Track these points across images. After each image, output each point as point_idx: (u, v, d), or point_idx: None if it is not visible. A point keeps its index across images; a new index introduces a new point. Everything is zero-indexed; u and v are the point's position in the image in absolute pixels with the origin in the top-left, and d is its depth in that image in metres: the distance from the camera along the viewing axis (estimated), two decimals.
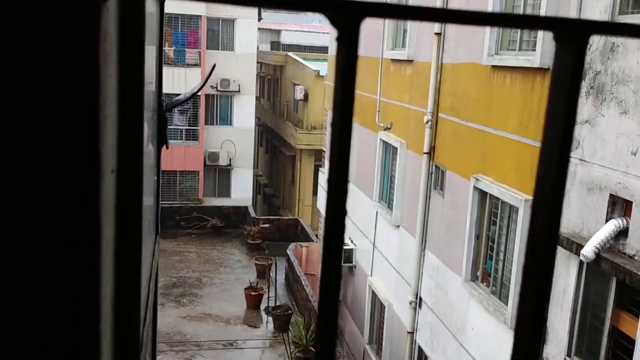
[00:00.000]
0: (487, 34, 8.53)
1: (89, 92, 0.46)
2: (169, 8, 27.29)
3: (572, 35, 0.52)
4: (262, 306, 17.81)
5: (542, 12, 7.26)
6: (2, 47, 0.46)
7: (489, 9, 8.46)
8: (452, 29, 9.91)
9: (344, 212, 0.52)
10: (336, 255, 0.55)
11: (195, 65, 25.57)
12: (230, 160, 26.90)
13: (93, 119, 0.47)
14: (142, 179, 0.70)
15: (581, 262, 6.41)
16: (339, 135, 0.50)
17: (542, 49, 7.23)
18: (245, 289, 17.98)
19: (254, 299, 17.72)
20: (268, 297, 17.66)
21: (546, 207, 0.56)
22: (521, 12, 8.03)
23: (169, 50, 25.40)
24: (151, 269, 1.26)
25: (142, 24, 0.67)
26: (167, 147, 1.63)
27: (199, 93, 25.37)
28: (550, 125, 0.56)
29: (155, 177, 1.61)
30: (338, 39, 0.49)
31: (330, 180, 0.50)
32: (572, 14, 6.73)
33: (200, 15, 25.41)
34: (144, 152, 0.76)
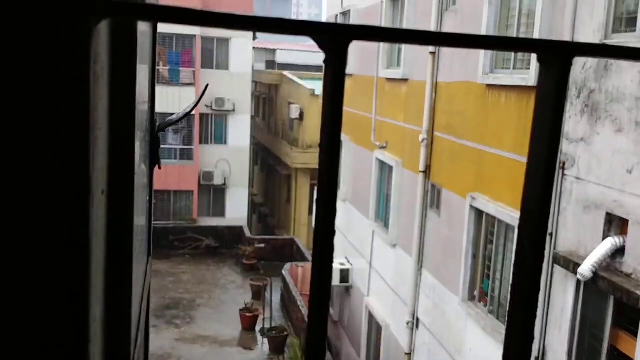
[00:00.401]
0: (482, 52, 8.60)
1: (78, 114, 0.47)
2: (163, 28, 27.46)
3: (556, 57, 0.53)
4: (258, 328, 17.66)
5: (536, 31, 7.34)
6: None
7: (483, 28, 8.55)
8: (447, 48, 10.00)
9: (332, 232, 0.52)
10: (326, 275, 0.56)
11: (190, 84, 25.67)
12: (225, 179, 26.87)
13: (83, 141, 0.47)
14: (133, 201, 0.70)
15: (578, 281, 6.39)
16: (327, 156, 0.51)
17: (536, 68, 7.29)
18: (240, 310, 17.84)
19: (249, 321, 17.58)
20: (263, 319, 17.53)
21: (533, 224, 0.57)
22: (515, 30, 8.12)
23: (163, 70, 25.51)
24: (143, 290, 1.25)
25: (134, 48, 0.68)
26: (159, 168, 1.64)
27: (193, 112, 25.44)
28: (535, 143, 0.56)
29: (148, 198, 1.61)
30: (325, 62, 0.50)
31: (319, 201, 0.50)
32: (566, 32, 6.81)
33: (195, 35, 25.57)
34: (135, 172, 0.76)
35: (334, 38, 0.49)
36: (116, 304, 0.70)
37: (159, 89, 28.60)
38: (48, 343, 0.51)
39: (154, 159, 1.55)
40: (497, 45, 0.54)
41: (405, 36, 0.50)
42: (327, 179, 0.52)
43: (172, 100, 24.93)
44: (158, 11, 0.46)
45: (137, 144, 1.35)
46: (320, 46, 0.50)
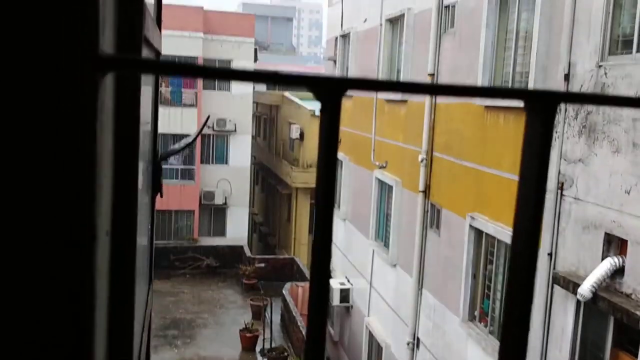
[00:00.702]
0: (480, 74, 8.68)
1: (85, 163, 0.49)
2: (165, 49, 27.64)
3: (541, 105, 0.56)
4: (258, 348, 17.54)
5: (533, 52, 7.41)
6: (3, 117, 0.49)
7: (481, 49, 8.63)
8: (445, 70, 10.08)
9: (328, 276, 0.54)
10: (323, 297, 0.57)
11: (192, 105, 25.81)
12: (225, 199, 26.89)
13: (89, 189, 0.49)
14: (135, 240, 0.72)
15: (578, 301, 6.38)
16: (323, 199, 0.53)
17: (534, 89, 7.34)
18: (240, 330, 17.75)
19: (249, 341, 17.47)
20: (263, 339, 17.42)
21: (521, 267, 0.59)
22: (512, 52, 8.19)
23: (165, 91, 25.66)
24: (144, 319, 1.26)
25: (137, 98, 0.70)
26: (161, 196, 1.66)
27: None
28: (523, 187, 0.58)
29: (149, 226, 1.62)
30: (321, 110, 0.53)
31: (314, 248, 0.52)
32: (563, 54, 6.88)
33: (197, 57, 25.77)
34: (137, 209, 0.78)
35: (329, 89, 0.51)
36: (118, 345, 0.71)
37: (161, 110, 28.66)
38: None
39: (155, 188, 1.57)
40: (487, 94, 0.57)
41: (399, 87, 0.52)
42: (322, 222, 0.54)
43: (174, 121, 25.05)
44: (161, 65, 0.48)
45: (140, 176, 1.38)
46: (316, 96, 0.53)
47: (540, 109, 0.56)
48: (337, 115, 0.52)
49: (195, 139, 2.59)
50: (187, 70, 0.47)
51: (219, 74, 0.50)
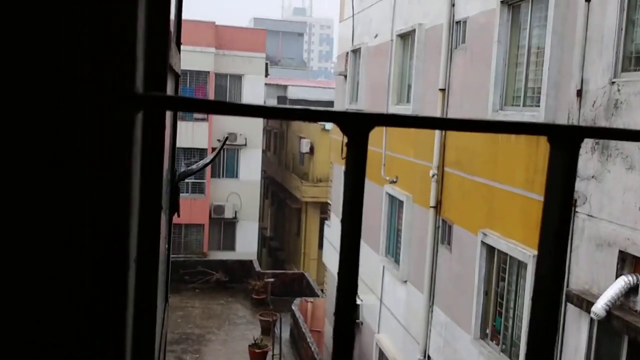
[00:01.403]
0: (492, 89, 8.68)
1: (121, 195, 0.50)
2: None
3: (565, 140, 0.56)
4: None
5: (545, 69, 7.40)
6: (47, 152, 0.50)
7: (493, 65, 8.64)
8: (456, 85, 10.09)
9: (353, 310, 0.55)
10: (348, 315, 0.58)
11: (203, 119, 25.96)
12: (235, 213, 26.93)
13: (124, 217, 0.50)
14: (157, 267, 0.73)
15: (592, 320, 6.31)
16: (349, 231, 0.54)
17: (546, 105, 7.34)
18: (249, 346, 17.68)
19: (258, 357, 17.39)
20: (272, 355, 17.34)
21: (545, 305, 0.59)
22: (524, 68, 8.19)
23: None
24: (160, 339, 1.27)
25: (162, 130, 0.72)
26: (178, 216, 1.67)
27: (206, 146, 25.66)
28: (546, 220, 0.59)
29: (167, 246, 1.64)
30: (349, 145, 0.54)
31: (340, 278, 0.53)
32: (575, 71, 6.86)
33: (209, 72, 25.96)
34: (160, 240, 0.79)
35: (356, 125, 0.52)
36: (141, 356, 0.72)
37: None
38: None
39: (173, 208, 1.58)
40: (512, 129, 0.58)
41: (424, 122, 0.53)
42: (348, 256, 0.54)
43: (185, 135, 25.18)
44: (191, 103, 0.49)
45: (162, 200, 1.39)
46: (344, 132, 0.54)
47: (564, 145, 0.57)
48: (364, 151, 0.53)
49: (213, 159, 2.61)
50: (215, 107, 0.48)
51: (245, 110, 0.51)
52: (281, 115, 0.51)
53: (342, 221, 0.56)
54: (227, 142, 26.54)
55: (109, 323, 0.50)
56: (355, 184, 0.55)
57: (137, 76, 0.52)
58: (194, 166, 2.42)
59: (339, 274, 0.57)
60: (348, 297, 0.53)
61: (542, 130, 0.58)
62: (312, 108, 0.52)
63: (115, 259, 0.52)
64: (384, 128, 13.09)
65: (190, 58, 25.33)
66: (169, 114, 1.22)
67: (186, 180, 26.29)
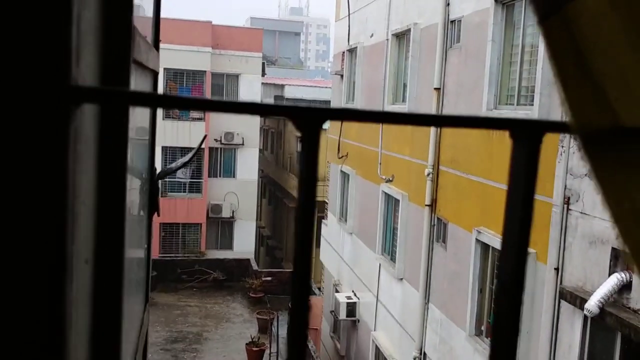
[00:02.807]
0: (486, 87, 8.67)
1: (56, 192, 0.48)
2: (174, 64, 27.59)
3: (527, 134, 0.55)
4: None
5: (539, 67, 7.40)
6: None
7: (487, 64, 8.64)
8: (451, 84, 10.08)
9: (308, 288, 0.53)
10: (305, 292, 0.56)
11: (200, 119, 25.92)
12: (233, 212, 26.91)
13: (59, 220, 0.49)
14: (122, 268, 0.72)
15: (585, 317, 6.32)
16: (300, 231, 0.52)
17: (539, 103, 7.33)
18: (246, 344, 17.68)
19: (255, 355, 17.40)
20: (270, 353, 17.34)
21: (508, 301, 0.58)
22: (518, 67, 8.18)
23: None
24: (138, 340, 1.25)
25: (125, 129, 0.70)
26: (158, 215, 1.66)
27: (203, 146, 25.62)
28: (509, 216, 0.58)
29: (146, 245, 1.62)
30: (301, 140, 0.52)
31: (294, 283, 0.51)
32: None
33: (205, 71, 25.93)
34: (125, 231, 0.78)
35: (308, 119, 0.51)
36: None
37: (169, 124, 28.63)
38: None
39: (152, 207, 1.57)
40: (472, 124, 0.56)
41: (378, 117, 0.52)
42: (300, 247, 0.53)
43: (182, 135, 25.17)
44: (135, 97, 0.48)
45: (137, 191, 1.38)
46: (297, 127, 0.52)
47: (526, 139, 0.56)
48: (316, 145, 0.51)
49: (192, 158, 2.60)
50: (162, 101, 0.46)
51: (195, 104, 0.50)
52: (230, 109, 0.49)
53: (295, 218, 0.55)
54: (225, 142, 26.52)
55: (45, 325, 0.49)
56: (308, 181, 0.54)
57: (83, 67, 0.51)
58: (172, 165, 2.41)
59: (292, 279, 0.56)
60: (302, 293, 0.52)
61: (503, 124, 0.57)
62: (262, 102, 0.50)
63: (49, 261, 0.50)
64: (380, 127, 13.08)
65: (187, 58, 25.30)
66: (142, 111, 1.21)
67: (183, 180, 26.27)
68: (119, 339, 0.68)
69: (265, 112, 0.51)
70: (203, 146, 25.62)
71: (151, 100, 0.47)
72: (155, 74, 1.59)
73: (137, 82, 1.07)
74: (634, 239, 0.53)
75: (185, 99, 0.49)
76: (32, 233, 0.47)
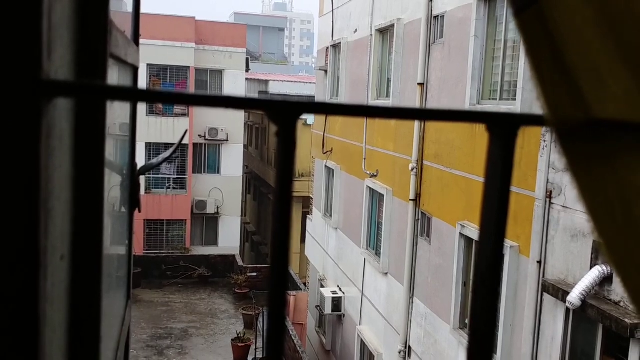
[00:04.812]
0: (469, 82, 8.72)
1: (26, 190, 0.48)
2: (158, 59, 27.40)
3: (503, 128, 0.55)
4: (250, 358, 17.46)
5: (521, 62, 7.45)
6: None
7: (470, 59, 8.68)
8: (434, 79, 10.12)
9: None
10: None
11: (183, 115, 25.77)
12: (218, 208, 26.82)
13: (32, 215, 0.48)
14: (100, 264, 0.71)
15: (568, 309, 6.39)
16: (278, 223, 0.52)
17: (522, 98, 7.39)
18: (232, 340, 17.66)
19: (241, 351, 17.38)
20: (255, 348, 17.34)
21: (484, 294, 0.58)
22: (501, 62, 8.23)
23: None
24: (119, 337, 1.24)
25: (102, 124, 0.69)
26: (139, 211, 1.65)
27: (187, 142, 25.50)
28: (485, 208, 0.58)
29: (127, 241, 1.61)
30: (277, 134, 0.52)
31: (271, 279, 0.51)
32: None
33: (189, 67, 25.77)
34: (103, 235, 0.77)
35: (284, 113, 0.51)
36: None
37: (152, 120, 28.42)
38: None
39: (133, 203, 1.55)
40: (448, 117, 0.57)
41: (352, 110, 0.52)
42: (279, 239, 0.53)
43: (165, 131, 25.02)
44: (108, 90, 0.47)
45: (117, 187, 1.37)
46: (272, 120, 0.52)
47: (502, 133, 0.56)
48: (292, 138, 0.51)
49: (173, 153, 2.58)
50: (135, 94, 0.46)
51: (169, 97, 0.49)
52: (206, 103, 0.49)
53: (273, 212, 0.54)
54: (209, 138, 26.40)
55: (18, 320, 0.48)
56: (284, 175, 0.54)
57: (55, 61, 0.50)
58: (154, 160, 2.39)
59: (270, 273, 0.56)
60: (280, 286, 0.52)
61: (480, 118, 0.57)
62: (237, 95, 0.50)
63: (21, 256, 0.49)
64: (364, 122, 13.10)
65: (170, 53, 25.12)
66: (122, 106, 1.19)
67: (168, 176, 26.12)
68: (98, 334, 0.68)
69: (241, 106, 0.51)
70: (187, 142, 25.50)
71: (124, 93, 0.46)
72: (135, 69, 1.57)
73: (116, 78, 1.06)
74: (608, 232, 0.54)
75: (160, 92, 0.49)
76: (2, 228, 0.47)
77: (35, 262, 0.47)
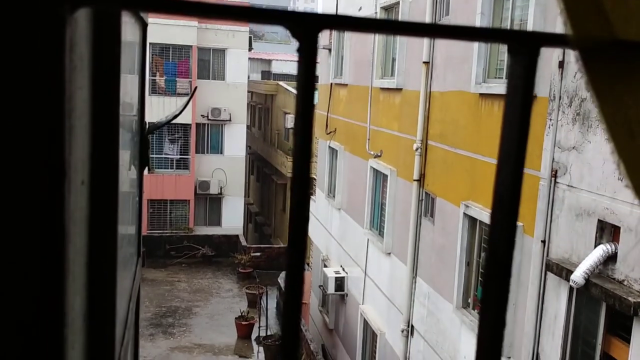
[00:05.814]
0: (475, 62, 8.66)
1: (52, 101, 0.48)
2: (160, 38, 27.26)
3: (524, 47, 0.55)
4: (253, 336, 17.61)
5: (530, 23, 7.37)
6: None
7: (475, 51, 8.59)
8: (440, 58, 10.05)
9: (306, 218, 0.53)
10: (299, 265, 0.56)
11: (186, 94, 25.69)
12: (221, 188, 26.86)
13: (57, 128, 0.48)
14: (117, 191, 0.71)
15: (571, 288, 6.41)
16: (300, 141, 0.52)
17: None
18: (236, 318, 17.80)
19: (244, 329, 17.53)
20: (259, 327, 17.48)
21: (503, 215, 0.58)
22: (509, 22, 8.16)
23: (160, 80, 25.55)
24: (131, 290, 1.25)
25: (117, 40, 0.69)
26: (149, 170, 1.64)
27: (190, 122, 25.46)
28: (506, 134, 0.58)
29: (138, 198, 1.61)
30: (298, 50, 0.52)
31: (293, 188, 0.51)
32: (559, 27, 6.85)
33: (192, 46, 25.64)
34: (121, 165, 0.77)
35: (306, 27, 0.50)
36: (99, 294, 0.70)
37: (155, 99, 28.41)
38: (22, 327, 0.51)
39: (143, 161, 1.55)
40: (467, 35, 0.56)
41: (374, 25, 0.51)
42: (299, 166, 0.53)
43: (168, 110, 24.94)
44: None
45: (127, 143, 1.37)
46: (293, 34, 0.52)
47: (523, 52, 0.55)
48: (314, 53, 0.51)
49: (182, 111, 2.58)
50: (153, 3, 0.45)
51: (188, 6, 0.49)
52: (220, 15, 0.48)
53: (294, 133, 0.54)
54: (212, 118, 26.35)
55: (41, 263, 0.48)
56: (305, 94, 0.54)
57: None
58: (163, 118, 2.39)
59: (291, 188, 0.56)
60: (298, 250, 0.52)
61: (499, 36, 0.57)
62: (257, 6, 0.50)
63: (50, 175, 0.49)
64: (368, 102, 13.06)
65: (173, 32, 24.98)
66: (132, 60, 1.19)
67: (171, 156, 26.12)
68: (114, 257, 0.68)
69: (259, 18, 0.50)
70: (190, 122, 25.47)
71: (143, 2, 0.46)
72: (144, 26, 1.56)
73: (128, 33, 1.05)
74: (627, 152, 0.53)
75: (179, 2, 0.48)
76: (28, 137, 0.47)
77: (61, 175, 0.47)
